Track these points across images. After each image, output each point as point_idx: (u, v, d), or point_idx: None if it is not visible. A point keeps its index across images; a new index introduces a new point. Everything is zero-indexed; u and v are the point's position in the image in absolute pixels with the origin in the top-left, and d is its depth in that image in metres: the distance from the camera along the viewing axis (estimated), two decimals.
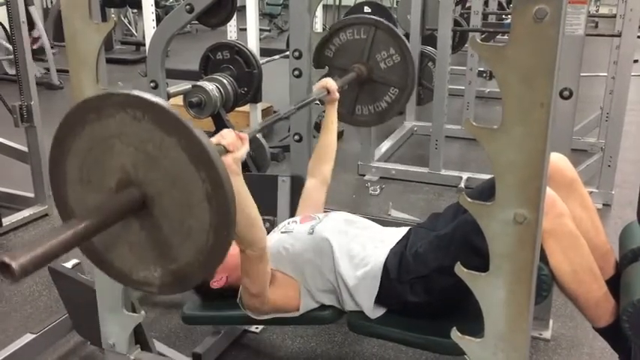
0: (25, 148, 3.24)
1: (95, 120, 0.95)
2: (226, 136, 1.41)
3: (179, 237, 0.96)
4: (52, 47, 6.42)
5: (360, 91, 2.50)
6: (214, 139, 1.40)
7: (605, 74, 4.04)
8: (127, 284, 1.08)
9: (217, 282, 1.78)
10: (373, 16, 2.51)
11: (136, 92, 0.93)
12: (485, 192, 1.62)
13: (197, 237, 0.95)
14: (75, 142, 0.98)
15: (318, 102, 2.22)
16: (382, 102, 2.52)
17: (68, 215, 1.05)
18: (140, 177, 0.96)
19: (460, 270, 1.06)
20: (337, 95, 2.11)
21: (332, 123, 2.14)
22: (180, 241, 0.97)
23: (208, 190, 0.91)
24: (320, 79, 2.17)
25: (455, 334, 1.12)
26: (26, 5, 3.32)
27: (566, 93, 1.87)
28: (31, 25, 6.94)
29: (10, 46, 5.89)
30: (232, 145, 1.41)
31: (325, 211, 2.05)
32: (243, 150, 1.45)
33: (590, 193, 1.79)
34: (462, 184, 3.65)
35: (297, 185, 2.33)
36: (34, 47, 6.78)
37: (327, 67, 2.41)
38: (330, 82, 2.10)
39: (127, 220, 0.98)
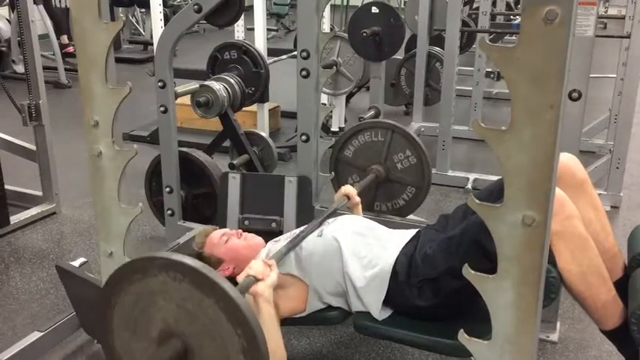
0: (33, 147, 3.25)
1: (141, 279, 1.06)
2: (254, 267, 1.47)
3: None
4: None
5: (378, 190, 2.62)
6: (244, 273, 1.47)
7: (614, 76, 4.01)
8: None
9: (223, 271, 1.79)
10: (390, 121, 2.62)
11: (177, 256, 1.03)
12: (494, 194, 1.62)
13: None
14: (121, 296, 1.09)
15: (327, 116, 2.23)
16: (400, 200, 2.63)
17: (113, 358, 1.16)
18: (181, 330, 1.05)
19: (468, 272, 1.05)
20: (358, 199, 2.14)
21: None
22: None
23: (244, 345, 1.00)
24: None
25: (462, 336, 1.11)
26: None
27: (575, 94, 1.86)
28: (60, 28, 7.02)
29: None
30: (261, 274, 1.47)
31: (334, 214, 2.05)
32: (273, 275, 1.50)
33: (599, 195, 1.78)
34: (469, 185, 3.64)
35: (303, 186, 2.33)
36: (65, 51, 6.87)
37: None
38: (350, 190, 2.13)
39: None
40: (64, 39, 7.37)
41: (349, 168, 2.66)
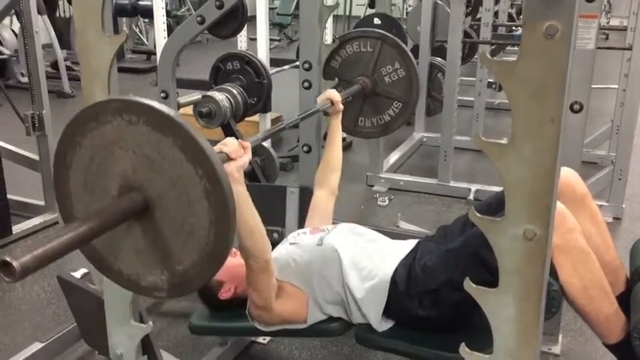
0: (36, 157, 3.26)
1: (94, 128, 0.97)
2: (228, 144, 1.43)
3: (182, 238, 0.98)
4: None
5: (364, 104, 2.54)
6: (216, 147, 1.41)
7: (616, 86, 4.02)
8: (137, 292, 1.09)
9: (226, 292, 1.79)
10: (380, 30, 2.53)
11: (130, 97, 0.95)
12: (493, 205, 1.62)
13: (199, 235, 0.96)
14: (77, 151, 1.01)
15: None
16: (385, 115, 2.56)
17: (68, 217, 1.08)
18: (141, 181, 0.97)
19: (469, 285, 1.05)
20: (341, 107, 2.13)
21: (336, 134, 2.16)
22: (183, 242, 0.98)
23: (206, 186, 0.92)
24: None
25: (463, 350, 1.11)
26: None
27: (576, 107, 1.86)
28: (61, 43, 7.06)
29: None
30: (234, 152, 1.43)
31: (334, 223, 2.05)
32: (245, 158, 1.46)
33: (601, 206, 1.79)
34: (471, 196, 3.64)
35: (305, 196, 2.33)
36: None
37: (336, 78, 2.43)
38: (334, 94, 2.12)
39: (130, 225, 1.00)
40: (63, 53, 7.40)
41: (334, 79, 2.58)
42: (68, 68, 6.34)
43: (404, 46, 2.50)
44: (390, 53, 2.47)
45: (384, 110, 2.54)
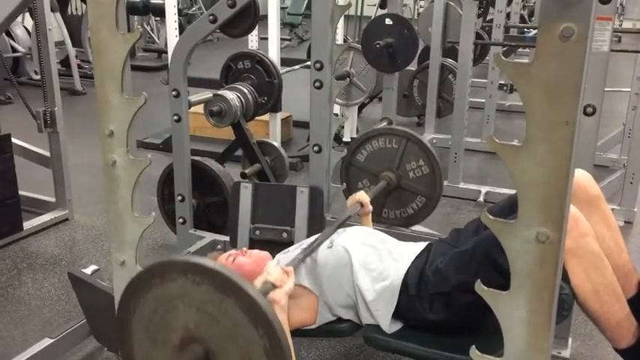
0: (47, 153, 3.28)
1: (159, 284, 1.04)
2: (272, 273, 1.46)
3: None
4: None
5: (389, 197, 2.63)
6: (261, 277, 1.46)
7: (628, 89, 3.99)
8: None
9: None
10: (406, 129, 2.63)
11: (195, 259, 1.02)
12: (506, 208, 1.61)
13: None
14: (140, 303, 1.07)
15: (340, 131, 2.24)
16: (409, 208, 2.64)
17: None
18: (202, 334, 1.03)
19: (481, 288, 1.05)
20: (370, 208, 2.13)
21: None
22: None
23: (267, 345, 0.98)
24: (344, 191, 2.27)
25: (474, 352, 1.10)
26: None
27: (589, 109, 1.85)
28: (72, 41, 7.10)
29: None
30: (279, 280, 1.46)
31: (345, 225, 2.05)
32: (290, 283, 1.49)
33: (612, 210, 1.77)
34: (481, 198, 3.62)
35: (315, 196, 2.33)
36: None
37: (344, 184, 2.59)
38: (363, 196, 2.13)
39: None
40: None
41: (360, 173, 2.67)
42: (78, 66, 6.37)
43: (428, 144, 2.59)
44: (415, 150, 2.57)
45: (408, 204, 2.63)
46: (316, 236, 1.82)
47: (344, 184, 2.60)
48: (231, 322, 0.99)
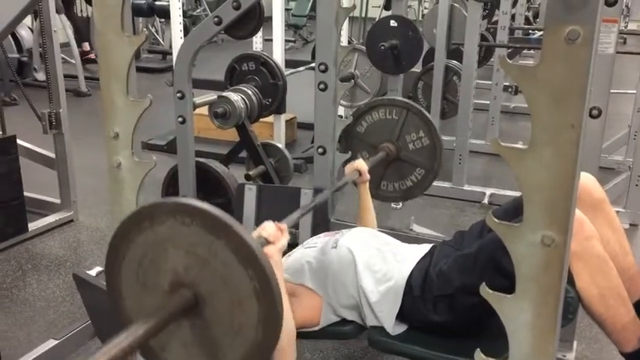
0: (52, 155, 3.29)
1: (148, 227, 1.02)
2: (267, 228, 1.46)
3: (230, 334, 1.01)
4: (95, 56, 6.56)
5: (387, 169, 2.60)
6: (255, 232, 1.45)
7: (634, 92, 3.98)
8: None
9: None
10: (406, 100, 2.60)
11: (185, 200, 1.00)
12: (511, 211, 1.61)
13: (247, 333, 1.00)
14: (130, 249, 1.06)
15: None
16: (408, 181, 2.61)
17: (124, 316, 1.12)
18: (192, 278, 1.02)
19: (485, 291, 1.04)
20: (368, 176, 2.13)
21: (367, 201, 2.16)
22: (231, 339, 1.01)
23: (256, 286, 0.96)
24: (346, 161, 2.27)
25: (478, 356, 1.10)
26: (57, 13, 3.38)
27: (595, 112, 1.85)
28: (81, 36, 7.14)
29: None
30: (273, 236, 1.45)
31: (348, 226, 2.05)
32: (284, 240, 1.48)
33: (617, 212, 1.77)
34: (486, 200, 3.62)
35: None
36: (86, 58, 6.99)
37: (349, 152, 2.52)
38: (362, 164, 2.13)
39: (180, 321, 1.04)
40: (86, 46, 7.48)
41: (359, 144, 2.63)
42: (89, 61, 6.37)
43: (428, 115, 2.56)
44: (415, 122, 2.53)
45: (407, 176, 2.60)
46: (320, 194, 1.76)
47: (349, 152, 2.54)
48: (221, 263, 0.97)
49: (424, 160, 2.54)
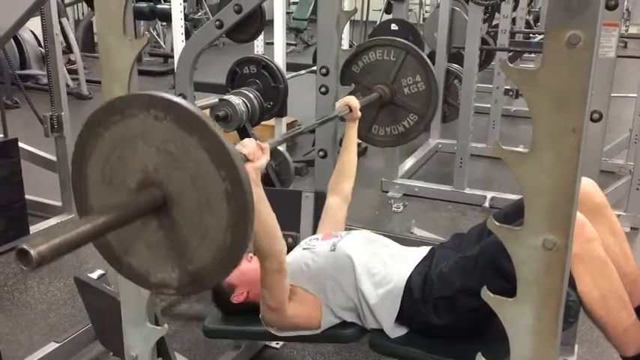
0: (53, 158, 3.30)
1: (119, 121, 0.97)
2: (247, 145, 1.44)
3: (197, 237, 0.97)
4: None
5: (380, 112, 2.53)
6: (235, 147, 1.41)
7: (635, 95, 3.98)
8: (145, 286, 1.08)
9: (238, 297, 1.79)
10: (406, 41, 2.51)
11: (159, 93, 0.94)
12: (511, 214, 1.61)
13: (215, 237, 0.95)
14: (98, 142, 1.00)
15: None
16: (400, 126, 2.55)
17: (87, 213, 1.06)
18: (161, 177, 0.97)
19: (486, 294, 1.04)
20: (359, 114, 2.13)
21: (352, 140, 2.16)
22: (198, 242, 0.97)
23: (228, 188, 0.91)
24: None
25: (480, 359, 1.10)
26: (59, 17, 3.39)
27: (595, 116, 1.85)
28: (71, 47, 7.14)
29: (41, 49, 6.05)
30: (253, 154, 1.43)
31: (348, 229, 2.05)
32: (263, 159, 1.46)
33: (618, 216, 1.77)
34: (487, 204, 3.61)
35: (320, 201, 2.33)
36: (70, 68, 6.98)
37: (353, 84, 2.42)
38: (353, 101, 2.12)
39: (146, 220, 0.99)
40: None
41: (355, 83, 2.55)
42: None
43: (427, 60, 2.48)
44: (413, 65, 2.46)
45: (400, 121, 2.54)
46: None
47: (352, 84, 2.49)
48: (193, 162, 0.92)
49: (418, 106, 2.48)
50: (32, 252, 0.78)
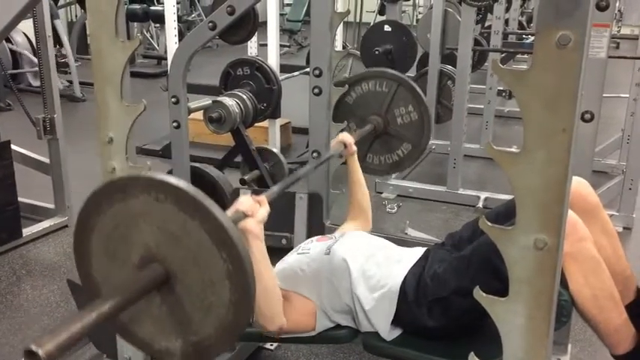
0: (47, 160, 3.29)
1: (121, 200, 1.00)
2: (243, 202, 1.44)
3: (200, 312, 1.00)
4: (75, 60, 6.54)
5: (374, 142, 2.59)
6: (232, 208, 1.42)
7: (627, 95, 4.00)
8: (148, 352, 1.10)
9: None
10: (398, 73, 2.57)
11: (159, 175, 0.97)
12: (502, 214, 1.62)
13: (217, 312, 0.98)
14: (101, 219, 1.03)
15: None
16: (394, 155, 2.60)
17: (91, 287, 1.09)
18: (163, 253, 0.99)
19: (479, 294, 1.05)
20: (354, 148, 2.13)
21: (358, 173, 2.15)
22: (201, 316, 1.00)
23: (229, 268, 0.94)
24: (341, 132, 2.22)
25: (473, 359, 1.11)
26: (52, 19, 3.38)
27: (587, 116, 1.86)
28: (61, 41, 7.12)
29: (34, 59, 6.02)
30: (250, 210, 1.43)
31: (342, 230, 2.05)
32: (263, 211, 1.46)
33: (611, 216, 1.78)
34: (480, 204, 3.62)
35: (314, 202, 2.33)
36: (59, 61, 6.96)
37: (345, 121, 2.48)
38: (347, 137, 2.12)
39: (149, 296, 1.02)
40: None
41: (348, 115, 2.60)
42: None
43: (419, 90, 2.53)
44: (405, 95, 2.51)
45: (394, 150, 2.59)
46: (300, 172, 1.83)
47: (345, 122, 2.51)
48: (195, 243, 0.95)
49: (411, 135, 2.52)
50: (40, 352, 0.80)
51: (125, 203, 0.99)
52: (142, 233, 0.99)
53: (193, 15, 9.01)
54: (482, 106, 4.74)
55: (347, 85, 2.58)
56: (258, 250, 1.44)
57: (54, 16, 5.23)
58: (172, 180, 0.95)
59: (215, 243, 0.94)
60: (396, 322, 1.67)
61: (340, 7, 4.45)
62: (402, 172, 2.66)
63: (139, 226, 0.99)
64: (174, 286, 1.00)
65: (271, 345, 2.24)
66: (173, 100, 2.45)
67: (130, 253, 1.02)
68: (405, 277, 1.68)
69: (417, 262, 1.74)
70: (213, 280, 0.96)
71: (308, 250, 1.83)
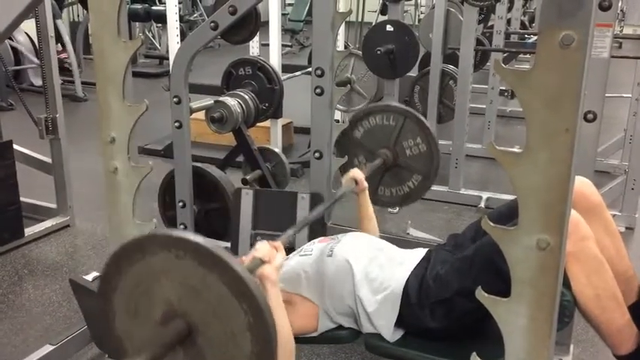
0: (48, 160, 3.29)
1: (140, 259, 1.02)
2: (260, 249, 1.44)
3: None
4: (81, 60, 6.55)
5: (385, 174, 2.60)
6: (250, 255, 1.44)
7: (629, 95, 3.99)
8: None
9: None
10: (403, 106, 2.59)
11: (178, 232, 0.99)
12: (505, 214, 1.61)
13: None
14: (122, 279, 1.05)
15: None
16: (405, 186, 2.60)
17: (116, 345, 1.11)
18: (184, 309, 1.01)
19: (481, 295, 1.05)
20: (366, 184, 2.11)
21: (368, 209, 2.14)
22: None
23: (250, 321, 0.96)
24: (342, 166, 2.26)
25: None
26: (54, 19, 3.39)
27: (590, 116, 1.85)
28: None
29: (36, 59, 6.04)
30: (267, 256, 1.43)
31: (344, 230, 2.04)
32: (279, 257, 1.47)
33: (613, 216, 1.77)
34: (482, 204, 3.62)
35: (316, 202, 2.33)
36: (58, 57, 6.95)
37: (346, 156, 2.51)
38: (358, 173, 2.11)
39: (174, 350, 1.04)
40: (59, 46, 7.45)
41: (356, 149, 2.62)
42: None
43: (425, 121, 2.55)
44: (412, 127, 2.52)
45: (404, 182, 2.59)
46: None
47: (345, 156, 2.52)
48: (215, 297, 0.97)
49: (421, 167, 2.54)
50: None
51: (145, 262, 1.02)
52: (163, 289, 1.02)
53: (195, 15, 9.01)
54: (484, 106, 4.74)
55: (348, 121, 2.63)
56: (275, 297, 1.45)
57: (56, 16, 5.24)
58: (190, 236, 0.98)
59: (235, 295, 0.96)
60: (398, 323, 1.67)
61: (342, 7, 4.45)
62: (413, 202, 2.68)
63: (160, 282, 1.02)
64: (196, 339, 1.02)
65: None
66: (175, 99, 2.45)
67: (152, 311, 1.04)
68: (408, 279, 1.68)
69: (419, 263, 1.73)
70: (234, 332, 0.98)
71: (310, 252, 1.83)
